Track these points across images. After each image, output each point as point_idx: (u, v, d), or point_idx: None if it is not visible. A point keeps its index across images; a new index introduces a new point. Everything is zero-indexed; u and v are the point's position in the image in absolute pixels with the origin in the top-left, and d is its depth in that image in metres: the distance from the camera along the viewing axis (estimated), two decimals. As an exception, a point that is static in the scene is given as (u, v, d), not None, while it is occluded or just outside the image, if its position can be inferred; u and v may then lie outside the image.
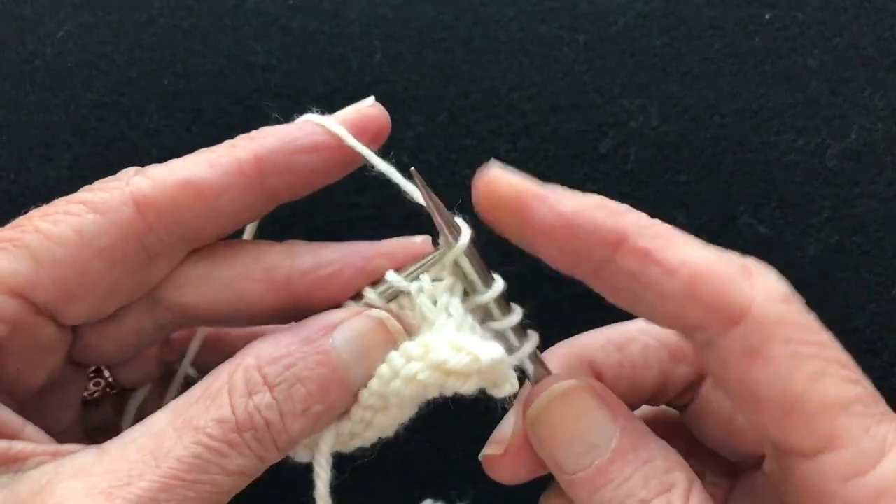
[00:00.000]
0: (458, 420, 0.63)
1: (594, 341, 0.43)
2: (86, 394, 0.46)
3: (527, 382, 0.42)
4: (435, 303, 0.40)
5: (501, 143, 0.62)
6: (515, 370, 0.40)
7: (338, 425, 0.39)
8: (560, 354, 0.44)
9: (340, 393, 0.37)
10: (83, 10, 0.64)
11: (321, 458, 0.39)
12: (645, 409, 0.46)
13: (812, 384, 0.33)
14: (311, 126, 0.40)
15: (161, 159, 0.63)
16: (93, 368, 0.46)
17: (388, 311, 0.39)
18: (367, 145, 0.40)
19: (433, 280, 0.40)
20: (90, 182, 0.62)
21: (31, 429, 0.37)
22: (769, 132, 0.62)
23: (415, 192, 0.41)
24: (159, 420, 0.36)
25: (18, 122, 0.64)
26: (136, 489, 0.33)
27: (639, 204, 0.61)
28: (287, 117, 0.64)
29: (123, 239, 0.38)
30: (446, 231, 0.40)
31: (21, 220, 0.39)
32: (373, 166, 0.41)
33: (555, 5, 0.63)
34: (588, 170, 0.62)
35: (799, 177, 0.62)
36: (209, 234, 0.40)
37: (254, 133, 0.40)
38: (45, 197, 0.63)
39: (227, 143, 0.40)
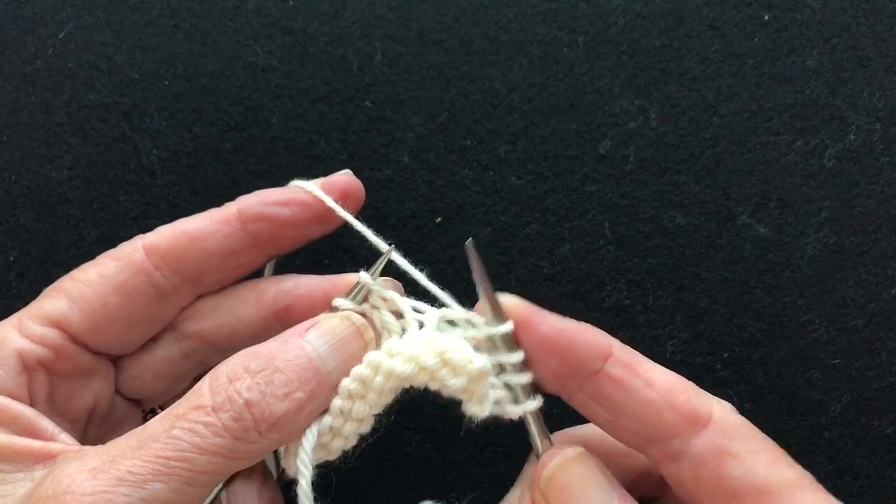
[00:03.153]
0: (457, 422, 0.63)
1: (589, 429, 0.48)
2: None
3: (531, 458, 0.46)
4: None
5: (501, 144, 0.63)
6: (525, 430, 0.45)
7: (318, 423, 0.43)
8: (556, 435, 0.48)
9: (319, 381, 0.42)
10: (84, 10, 0.64)
11: (303, 454, 0.42)
12: None
13: (771, 470, 0.40)
14: (291, 188, 0.51)
15: (162, 160, 0.63)
16: (148, 410, 0.54)
17: (360, 312, 0.46)
18: (338, 201, 0.50)
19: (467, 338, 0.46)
20: (91, 182, 0.63)
21: (64, 436, 0.45)
22: (768, 133, 0.62)
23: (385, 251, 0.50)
24: (152, 420, 0.41)
25: (19, 123, 0.64)
26: (120, 466, 0.38)
27: (639, 204, 0.62)
28: (287, 117, 0.64)
29: (134, 276, 0.48)
30: (490, 311, 0.45)
31: (65, 276, 0.49)
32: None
33: (555, 6, 0.63)
34: (588, 170, 0.62)
35: (797, 177, 0.62)
36: (208, 277, 0.50)
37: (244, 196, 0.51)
38: (46, 197, 0.64)
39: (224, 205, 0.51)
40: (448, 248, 0.63)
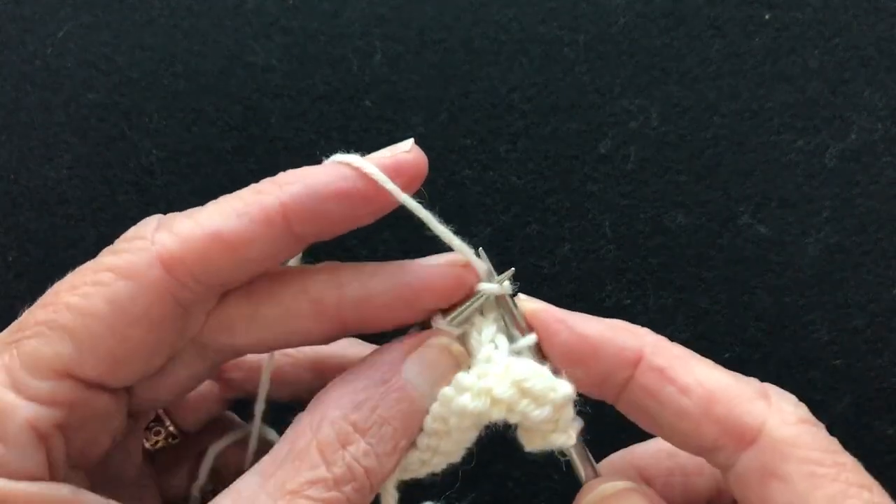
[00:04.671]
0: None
1: (645, 449, 0.44)
2: (148, 444, 0.47)
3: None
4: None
5: (501, 143, 0.62)
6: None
7: (406, 456, 0.40)
8: (610, 461, 0.45)
9: (419, 423, 0.38)
10: (83, 10, 0.64)
11: (388, 495, 0.39)
12: None
13: (829, 501, 0.33)
14: (340, 170, 0.38)
15: (161, 159, 0.63)
16: (152, 417, 0.46)
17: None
18: (402, 188, 0.39)
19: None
20: (90, 182, 0.63)
21: None
22: (769, 132, 0.62)
23: (452, 239, 0.42)
24: (248, 484, 0.35)
25: (18, 123, 0.64)
26: None
27: (639, 204, 0.62)
28: (287, 117, 0.64)
29: (157, 301, 0.37)
30: (519, 328, 0.41)
31: (49, 298, 0.38)
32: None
33: (555, 5, 0.63)
34: (588, 170, 0.62)
35: (799, 177, 0.62)
36: (241, 279, 0.40)
37: (280, 177, 0.39)
38: (45, 197, 0.63)
39: (252, 188, 0.39)
40: (448, 248, 0.62)
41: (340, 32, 0.63)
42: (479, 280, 0.41)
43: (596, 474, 0.41)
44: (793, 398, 0.37)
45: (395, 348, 0.39)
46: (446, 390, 0.39)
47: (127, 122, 0.63)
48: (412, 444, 0.39)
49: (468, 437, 0.40)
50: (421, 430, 0.39)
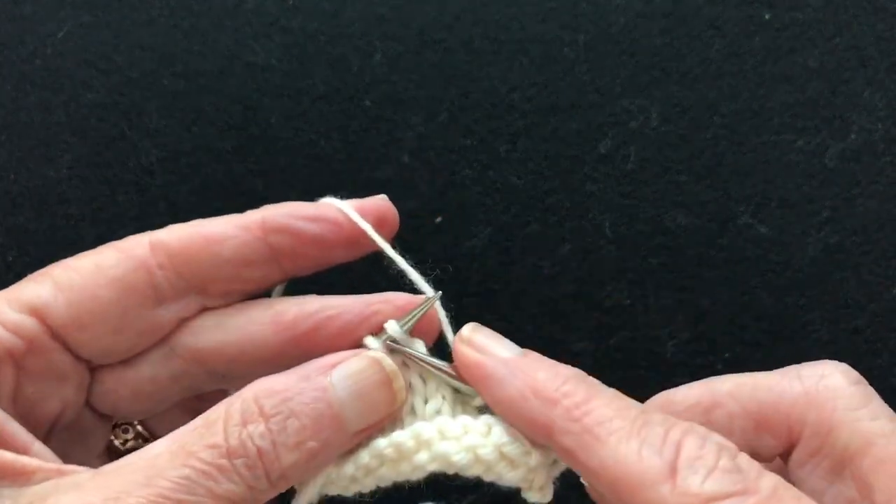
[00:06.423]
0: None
1: (684, 399, 0.43)
2: (117, 442, 0.49)
3: None
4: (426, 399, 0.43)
5: (501, 143, 0.62)
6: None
7: (338, 468, 0.40)
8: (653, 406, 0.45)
9: (335, 430, 0.39)
10: (83, 10, 0.64)
11: (303, 498, 0.40)
12: None
13: None
14: (322, 204, 0.45)
15: (161, 159, 0.63)
16: (119, 423, 0.49)
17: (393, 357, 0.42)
18: (377, 230, 0.44)
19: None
20: (89, 182, 0.63)
21: (38, 446, 0.39)
22: (769, 132, 0.62)
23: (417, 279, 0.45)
24: (157, 446, 0.38)
25: (18, 123, 0.64)
26: None
27: (639, 204, 0.62)
28: (287, 117, 0.64)
29: (133, 271, 0.43)
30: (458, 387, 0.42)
31: (60, 261, 0.44)
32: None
33: (555, 5, 0.63)
34: (588, 170, 0.62)
35: (799, 177, 0.62)
36: (216, 286, 0.45)
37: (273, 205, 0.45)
38: (45, 197, 0.63)
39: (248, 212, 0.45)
40: (448, 248, 0.62)
41: (340, 32, 0.63)
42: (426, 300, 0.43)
43: None
44: (710, 459, 0.35)
45: (330, 356, 0.41)
46: (425, 427, 0.40)
47: (127, 122, 0.63)
48: (348, 455, 0.40)
49: (415, 475, 0.41)
50: (365, 446, 0.40)
